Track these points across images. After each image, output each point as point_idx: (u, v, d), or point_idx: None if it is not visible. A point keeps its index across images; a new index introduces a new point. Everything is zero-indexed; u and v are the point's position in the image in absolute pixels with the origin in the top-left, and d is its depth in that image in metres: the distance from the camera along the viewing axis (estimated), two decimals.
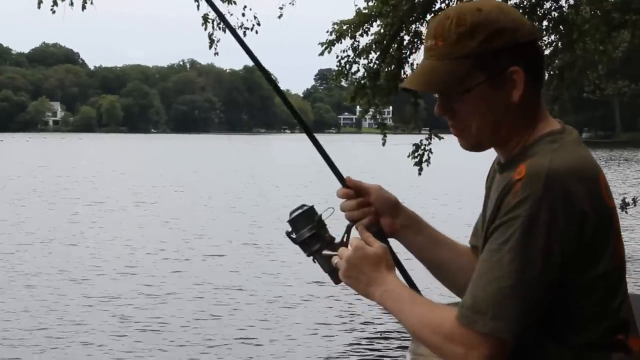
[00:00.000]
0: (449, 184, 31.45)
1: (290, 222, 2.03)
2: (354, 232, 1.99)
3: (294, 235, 2.02)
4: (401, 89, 1.83)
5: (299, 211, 2.02)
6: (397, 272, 1.97)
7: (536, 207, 1.61)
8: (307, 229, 2.00)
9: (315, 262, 2.01)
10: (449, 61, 1.72)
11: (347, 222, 2.03)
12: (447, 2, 12.63)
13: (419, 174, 13.83)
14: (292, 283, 13.38)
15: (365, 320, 11.09)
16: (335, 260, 1.94)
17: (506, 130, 1.77)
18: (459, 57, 1.72)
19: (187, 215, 22.99)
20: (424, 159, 13.77)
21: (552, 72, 13.71)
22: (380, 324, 10.80)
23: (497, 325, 1.62)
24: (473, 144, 1.80)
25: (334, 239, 2.01)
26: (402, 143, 14.23)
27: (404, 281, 1.95)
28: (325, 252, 1.99)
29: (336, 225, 2.05)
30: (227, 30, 12.72)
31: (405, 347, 9.20)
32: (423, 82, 1.76)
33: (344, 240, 1.98)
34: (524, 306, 1.62)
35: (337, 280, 1.95)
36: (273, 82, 2.17)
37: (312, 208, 2.03)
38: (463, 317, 1.66)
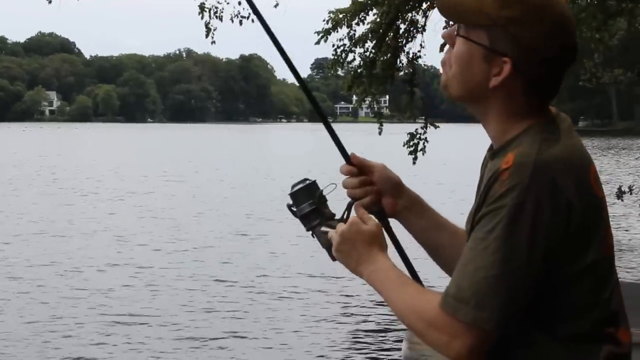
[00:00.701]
0: (444, 173, 31.45)
1: (292, 195, 2.01)
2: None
3: (294, 209, 2.01)
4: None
5: (301, 185, 2.00)
6: (396, 253, 1.96)
7: (522, 196, 1.60)
8: (308, 204, 1.98)
9: (314, 237, 2.00)
10: (477, 7, 1.72)
11: (349, 200, 2.01)
12: None
13: (414, 163, 13.83)
14: (288, 275, 13.39)
15: (361, 311, 11.10)
16: (330, 234, 1.93)
17: (480, 104, 1.77)
18: (483, 11, 1.71)
19: (183, 206, 22.98)
20: (419, 148, 13.77)
21: None
22: (377, 314, 10.82)
23: (479, 314, 1.61)
24: (443, 83, 1.81)
25: (334, 215, 1.99)
26: (399, 132, 14.22)
27: (402, 263, 1.94)
28: (323, 227, 1.97)
29: (339, 201, 2.03)
30: (223, 19, 12.84)
31: (401, 340, 9.20)
32: (446, 4, 1.79)
33: (344, 217, 1.96)
34: (507, 296, 1.61)
35: (333, 257, 1.93)
36: (297, 73, 2.16)
37: (314, 183, 2.01)
38: (446, 305, 1.65)
